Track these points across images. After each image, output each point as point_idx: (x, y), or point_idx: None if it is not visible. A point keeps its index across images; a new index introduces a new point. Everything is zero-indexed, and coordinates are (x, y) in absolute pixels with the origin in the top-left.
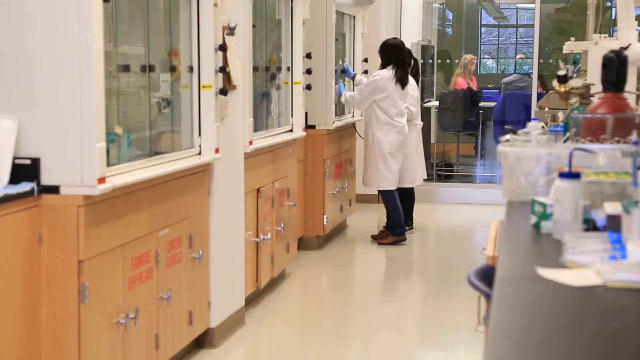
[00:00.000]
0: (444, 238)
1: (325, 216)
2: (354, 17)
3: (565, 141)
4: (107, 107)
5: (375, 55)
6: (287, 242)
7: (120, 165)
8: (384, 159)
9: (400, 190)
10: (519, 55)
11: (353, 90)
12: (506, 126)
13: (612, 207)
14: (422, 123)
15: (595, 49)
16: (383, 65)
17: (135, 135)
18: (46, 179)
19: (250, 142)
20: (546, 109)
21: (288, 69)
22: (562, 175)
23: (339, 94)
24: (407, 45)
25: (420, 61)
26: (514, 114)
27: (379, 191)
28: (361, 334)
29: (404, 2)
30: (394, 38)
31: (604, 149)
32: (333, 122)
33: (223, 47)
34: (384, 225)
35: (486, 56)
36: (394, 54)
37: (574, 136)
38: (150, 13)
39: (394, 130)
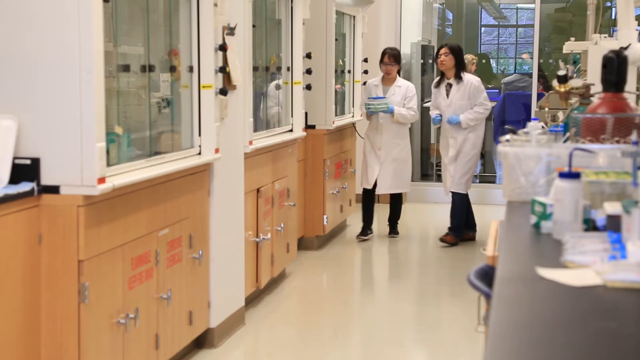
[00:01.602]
0: None
1: (325, 216)
2: (354, 17)
3: (565, 141)
4: (107, 107)
5: (374, 55)
6: (287, 242)
7: (120, 165)
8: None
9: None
10: (524, 55)
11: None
12: (506, 126)
13: (612, 207)
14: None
15: (595, 49)
16: (460, 69)
17: (135, 135)
18: (46, 179)
19: (250, 142)
20: (546, 109)
21: (288, 69)
22: (562, 175)
23: (438, 121)
24: (407, 45)
25: (420, 61)
26: (514, 114)
27: (458, 196)
28: (361, 334)
29: (404, 2)
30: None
31: (604, 149)
32: (333, 122)
33: (223, 47)
34: (449, 227)
35: None
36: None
37: (574, 136)
38: (150, 13)
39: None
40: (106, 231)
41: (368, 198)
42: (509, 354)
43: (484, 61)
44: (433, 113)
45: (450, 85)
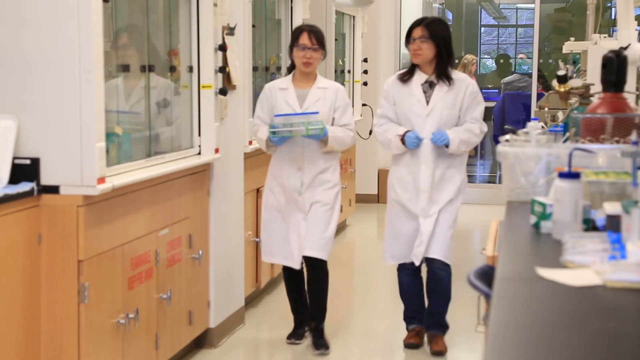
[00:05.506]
0: None
1: None
2: (354, 17)
3: (565, 141)
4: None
5: (375, 55)
6: None
7: (119, 165)
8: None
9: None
10: (520, 55)
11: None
12: (506, 126)
13: (612, 207)
14: None
15: (595, 49)
16: (447, 63)
17: (135, 135)
18: (46, 179)
19: (250, 142)
20: (546, 109)
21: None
22: (562, 175)
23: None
24: None
25: None
26: (514, 114)
27: (446, 271)
28: (361, 334)
29: (404, 2)
30: None
31: (604, 149)
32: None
33: (223, 47)
34: (436, 323)
35: (486, 56)
36: None
37: (574, 136)
38: (150, 13)
39: None
40: (106, 231)
41: (295, 279)
42: (509, 354)
43: (502, 61)
44: (397, 132)
45: (431, 84)
